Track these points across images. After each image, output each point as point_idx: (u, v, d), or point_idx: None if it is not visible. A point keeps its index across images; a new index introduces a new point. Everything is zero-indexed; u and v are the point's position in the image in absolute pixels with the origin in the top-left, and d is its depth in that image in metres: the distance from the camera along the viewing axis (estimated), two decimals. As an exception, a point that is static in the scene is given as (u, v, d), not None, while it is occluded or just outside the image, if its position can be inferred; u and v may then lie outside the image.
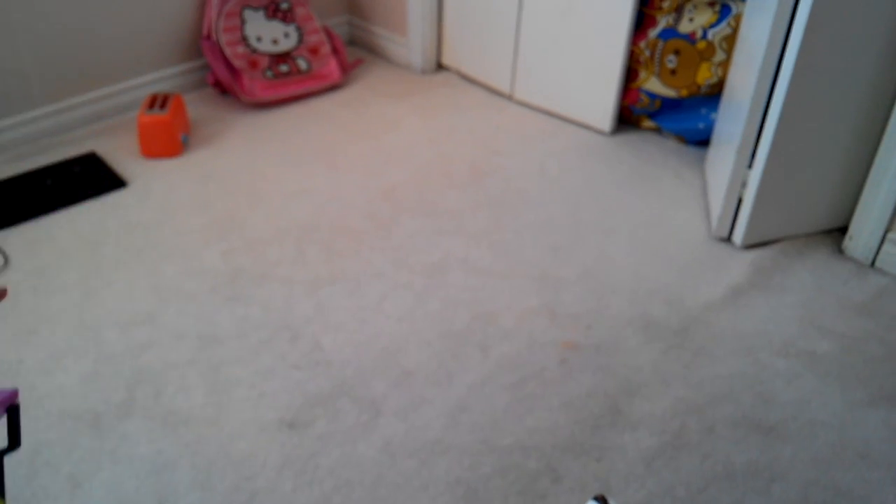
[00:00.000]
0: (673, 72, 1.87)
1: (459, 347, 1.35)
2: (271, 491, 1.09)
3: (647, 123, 2.00)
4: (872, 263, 1.56)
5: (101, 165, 1.84)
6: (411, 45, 2.31)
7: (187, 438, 1.17)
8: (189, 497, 1.08)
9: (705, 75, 1.83)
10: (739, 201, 1.57)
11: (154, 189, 1.77)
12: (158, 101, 1.87)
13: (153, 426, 1.19)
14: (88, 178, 1.79)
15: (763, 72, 1.43)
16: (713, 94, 1.85)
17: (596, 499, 0.89)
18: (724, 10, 1.79)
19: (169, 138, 1.86)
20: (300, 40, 2.18)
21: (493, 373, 1.30)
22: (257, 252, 1.57)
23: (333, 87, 2.23)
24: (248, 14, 2.10)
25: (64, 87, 1.94)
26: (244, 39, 2.09)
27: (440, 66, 2.37)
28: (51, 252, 1.56)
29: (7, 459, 1.12)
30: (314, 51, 2.19)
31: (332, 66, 2.21)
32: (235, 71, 2.08)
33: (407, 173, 1.84)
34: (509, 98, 2.19)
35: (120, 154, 1.89)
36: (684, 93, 1.87)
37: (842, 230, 1.64)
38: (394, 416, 1.21)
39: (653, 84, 1.90)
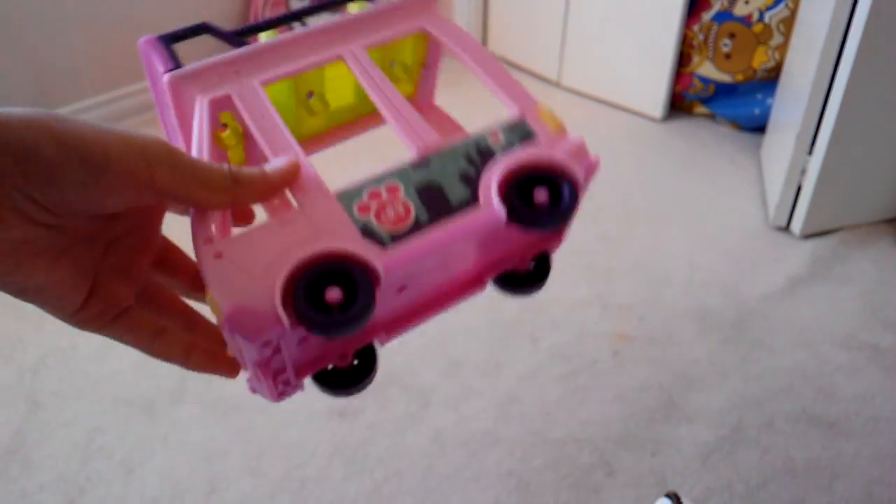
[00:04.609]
0: (728, 56, 1.81)
1: (508, 338, 1.33)
2: (322, 479, 1.09)
3: (701, 109, 1.95)
4: (939, 254, 1.50)
5: (151, 154, 1.86)
6: (457, 32, 2.29)
7: (238, 425, 1.17)
8: (240, 484, 1.09)
9: (762, 59, 1.77)
10: (798, 189, 1.52)
11: (203, 178, 1.78)
12: (206, 91, 1.88)
13: (205, 413, 1.20)
14: (139, 167, 1.81)
15: (824, 55, 1.38)
16: (770, 79, 1.80)
17: (668, 496, 0.86)
18: (782, -8, 1.73)
19: (217, 127, 1.87)
20: (346, 28, 2.17)
21: (543, 364, 1.28)
22: (305, 240, 1.57)
23: (379, 76, 2.22)
24: (294, 4, 2.10)
25: (113, 78, 1.96)
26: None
27: (486, 53, 2.34)
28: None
29: (62, 443, 1.14)
30: (359, 39, 2.18)
31: (378, 54, 2.19)
32: (282, 60, 2.08)
33: (454, 161, 1.82)
34: (556, 84, 2.15)
35: (169, 143, 1.90)
36: (739, 77, 1.82)
37: (906, 219, 1.58)
38: (443, 406, 1.20)
39: (706, 69, 1.85)
